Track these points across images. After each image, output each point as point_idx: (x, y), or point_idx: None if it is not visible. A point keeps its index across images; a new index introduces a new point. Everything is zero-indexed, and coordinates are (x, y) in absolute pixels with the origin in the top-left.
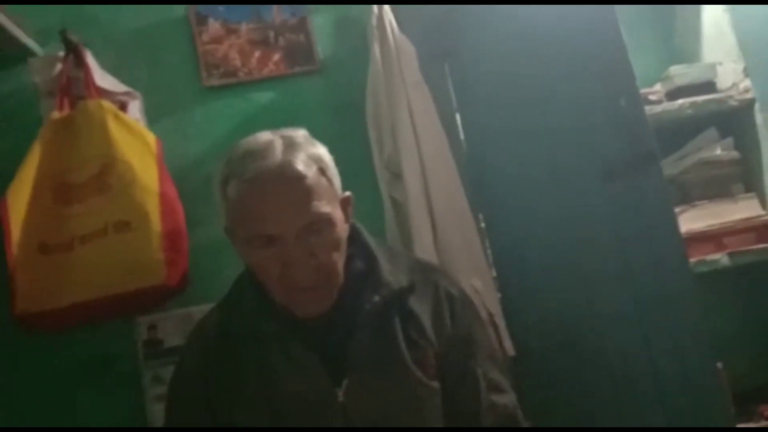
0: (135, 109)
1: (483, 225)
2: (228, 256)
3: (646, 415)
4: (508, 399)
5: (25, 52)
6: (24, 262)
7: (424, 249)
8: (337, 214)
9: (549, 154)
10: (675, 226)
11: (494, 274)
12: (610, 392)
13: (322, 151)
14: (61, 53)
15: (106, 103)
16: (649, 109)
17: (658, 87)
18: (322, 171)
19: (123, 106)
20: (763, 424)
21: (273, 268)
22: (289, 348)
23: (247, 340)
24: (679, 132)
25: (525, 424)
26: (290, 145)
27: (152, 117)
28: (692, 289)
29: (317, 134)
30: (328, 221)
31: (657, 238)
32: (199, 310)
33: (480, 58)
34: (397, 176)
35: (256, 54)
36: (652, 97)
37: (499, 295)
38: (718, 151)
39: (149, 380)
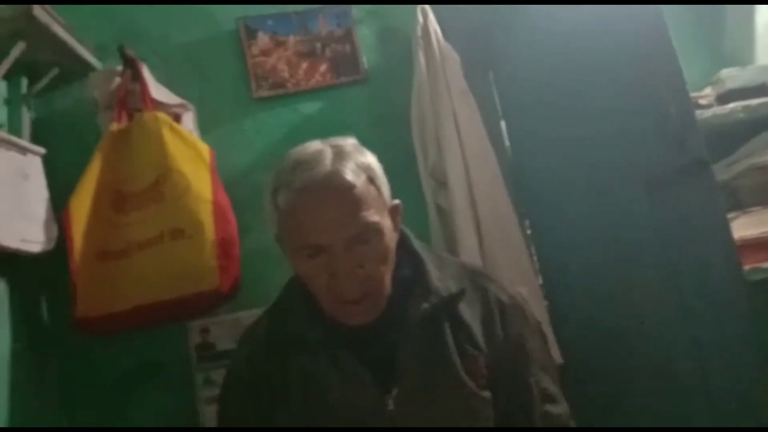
0: (188, 120)
1: (529, 232)
2: (276, 263)
3: (696, 424)
4: (561, 409)
5: (86, 68)
6: (84, 269)
7: (470, 256)
8: (386, 223)
9: (595, 162)
10: (727, 232)
11: (540, 281)
12: (659, 401)
13: (371, 159)
14: (119, 68)
15: (162, 115)
16: (699, 114)
17: (708, 91)
18: (371, 180)
19: (177, 118)
20: None
21: (321, 278)
22: (337, 356)
23: (295, 347)
24: (731, 136)
25: None
26: (339, 154)
27: (205, 128)
28: (745, 296)
29: (363, 143)
30: (376, 231)
31: (708, 245)
32: (249, 315)
33: (525, 66)
34: (442, 184)
35: (304, 65)
36: (702, 102)
37: (545, 302)
38: None
39: (201, 382)
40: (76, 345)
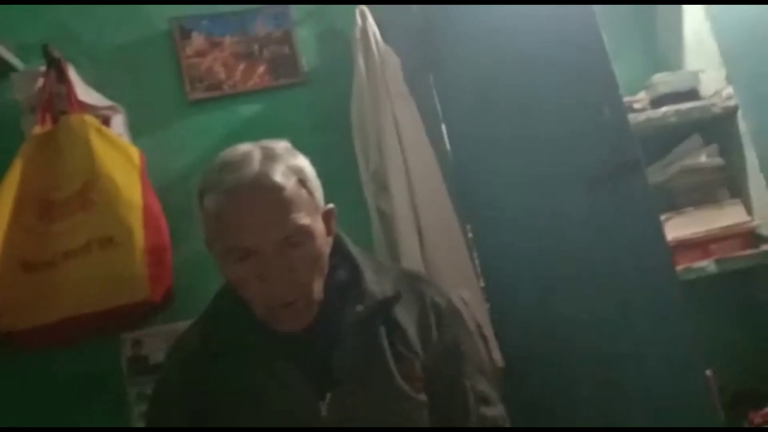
0: (118, 123)
1: (471, 235)
2: (212, 272)
3: (636, 423)
4: (497, 411)
5: (7, 68)
6: (7, 280)
7: (412, 260)
8: (318, 227)
9: (533, 163)
10: (661, 233)
11: (482, 284)
12: (599, 401)
13: (302, 162)
14: (43, 68)
15: (89, 118)
16: (633, 117)
17: (642, 95)
18: (302, 182)
19: (106, 121)
20: None
21: (251, 282)
22: (271, 362)
23: (228, 353)
24: (664, 139)
25: None
26: (269, 157)
27: (136, 131)
28: (680, 296)
29: (302, 146)
30: (307, 234)
31: (643, 245)
32: (184, 326)
33: (462, 68)
34: (383, 188)
35: (241, 67)
36: (636, 105)
37: (487, 305)
38: (703, 158)
39: (134, 397)
40: (4, 358)
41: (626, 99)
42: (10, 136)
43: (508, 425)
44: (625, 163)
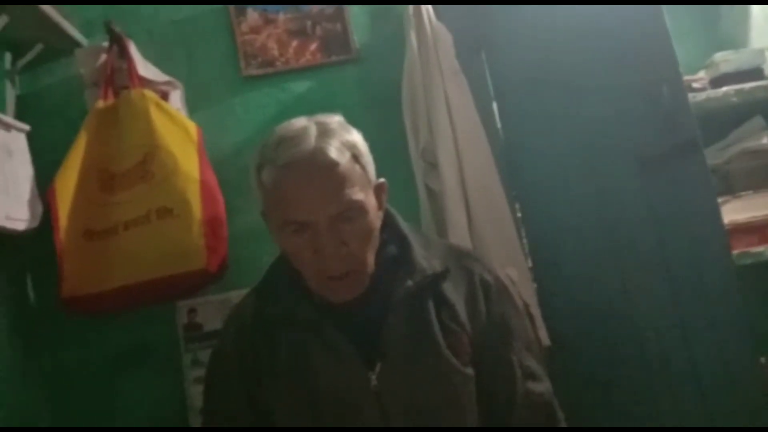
0: (176, 98)
1: (519, 215)
2: (264, 244)
3: (684, 408)
4: (543, 387)
5: (72, 44)
6: (70, 247)
7: (460, 238)
8: (370, 202)
9: (586, 142)
10: (717, 216)
11: (530, 264)
12: (646, 385)
13: (356, 137)
14: (106, 44)
15: (149, 93)
16: (692, 97)
17: (702, 74)
18: (356, 158)
19: (164, 96)
20: None
21: (305, 255)
22: (323, 332)
23: (282, 323)
24: (724, 120)
25: (560, 413)
26: (324, 132)
27: (193, 106)
28: (734, 281)
29: (353, 123)
30: (360, 209)
31: (698, 227)
32: (237, 295)
33: (516, 46)
34: (432, 166)
35: (294, 44)
36: (696, 85)
37: (534, 285)
38: (765, 141)
39: (189, 363)
40: (62, 325)
41: (686, 78)
42: (73, 110)
43: (554, 401)
44: (683, 143)
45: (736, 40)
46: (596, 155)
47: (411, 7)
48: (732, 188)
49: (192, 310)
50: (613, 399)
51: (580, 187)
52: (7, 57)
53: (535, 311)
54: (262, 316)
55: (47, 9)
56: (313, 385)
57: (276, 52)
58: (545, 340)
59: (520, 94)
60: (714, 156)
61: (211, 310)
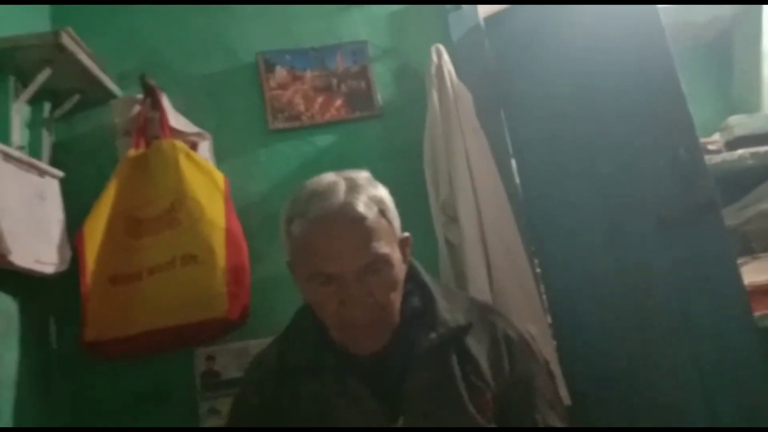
0: (205, 148)
1: (538, 270)
2: (285, 293)
3: None
4: None
5: (107, 95)
6: (95, 292)
7: (480, 292)
8: (396, 255)
9: (605, 201)
10: (738, 277)
11: (549, 320)
12: None
13: (383, 192)
14: (140, 96)
15: (179, 143)
16: (708, 159)
17: (717, 137)
18: (383, 212)
19: (194, 146)
20: None
21: (330, 305)
22: (346, 384)
23: (305, 373)
24: (740, 182)
25: None
26: (352, 187)
27: (220, 156)
28: (756, 343)
29: (375, 176)
30: (386, 262)
31: (719, 288)
32: (256, 344)
33: (536, 104)
34: (452, 219)
35: (319, 99)
36: (711, 147)
37: (554, 342)
38: None
39: (205, 411)
40: (84, 368)
41: (701, 140)
42: (105, 157)
43: None
44: (701, 204)
45: (749, 104)
46: (616, 213)
47: (433, 66)
48: (751, 249)
49: (210, 357)
50: None
51: (599, 243)
52: (46, 106)
53: (556, 369)
54: (285, 366)
55: (87, 62)
56: None
57: (302, 107)
58: (566, 398)
59: (539, 151)
60: (732, 217)
61: (230, 358)
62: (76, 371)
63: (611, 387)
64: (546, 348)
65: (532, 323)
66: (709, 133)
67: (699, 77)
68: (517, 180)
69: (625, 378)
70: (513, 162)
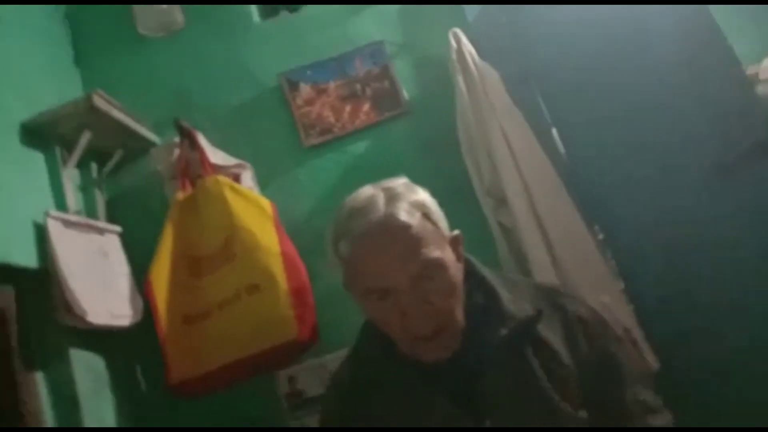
0: (247, 178)
1: (600, 237)
2: (350, 302)
3: None
4: (664, 419)
5: (147, 145)
6: (172, 334)
7: (543, 271)
8: (448, 256)
9: (657, 155)
10: None
11: (622, 286)
12: (755, 393)
13: (423, 196)
14: (177, 140)
15: (222, 178)
16: (761, 90)
17: (767, 63)
18: (426, 216)
19: (236, 178)
20: None
21: (392, 319)
22: (423, 393)
23: (379, 387)
24: None
25: None
26: (392, 197)
27: (263, 183)
28: None
29: (413, 173)
30: (439, 266)
31: None
32: (332, 358)
33: (566, 68)
34: (501, 202)
35: (347, 108)
36: (763, 76)
37: (631, 306)
38: None
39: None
40: (174, 408)
41: (749, 71)
42: (156, 204)
43: None
44: (760, 142)
45: None
46: (667, 167)
47: (454, 52)
48: None
49: (291, 378)
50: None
51: (656, 200)
52: (93, 167)
53: (637, 335)
54: (359, 383)
55: (123, 118)
56: None
57: (332, 119)
58: (653, 362)
59: (579, 117)
60: None
61: (310, 376)
62: (167, 412)
63: (694, 341)
64: (624, 315)
65: (603, 293)
66: (758, 60)
67: (733, 13)
68: (562, 149)
69: (711, 331)
70: (554, 131)
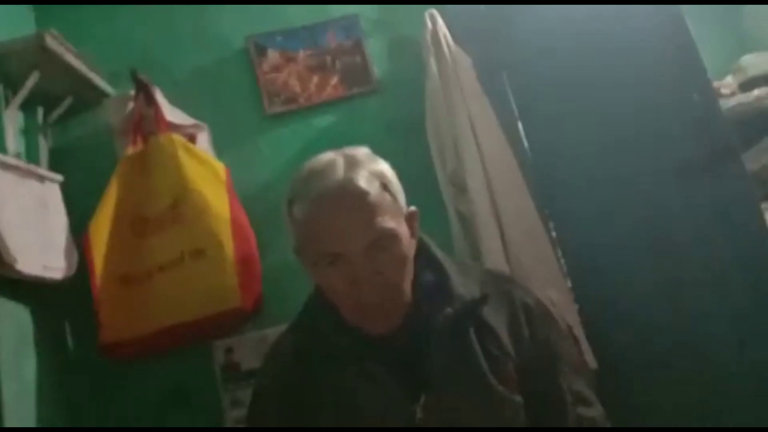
0: (203, 140)
1: (554, 234)
2: (298, 279)
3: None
4: (596, 412)
5: (100, 95)
6: (108, 294)
7: (495, 262)
8: (403, 230)
9: (619, 157)
10: (762, 222)
11: (570, 284)
12: (703, 404)
13: (384, 167)
14: (132, 93)
15: (177, 137)
16: (722, 103)
17: (729, 80)
18: (385, 186)
19: (192, 139)
20: None
21: (340, 286)
22: (364, 366)
23: (322, 358)
24: (759, 124)
25: None
26: (352, 163)
27: (220, 147)
28: None
29: (378, 152)
30: (393, 237)
31: (743, 237)
32: (273, 332)
33: (538, 63)
34: (461, 190)
35: (315, 79)
36: (724, 91)
37: (576, 306)
38: None
39: (228, 403)
40: (101, 371)
41: (714, 84)
42: (104, 158)
43: (607, 426)
44: (719, 150)
45: (761, 41)
46: (630, 167)
47: (428, 33)
48: None
49: (229, 350)
50: (665, 419)
51: (615, 201)
52: (39, 111)
53: (579, 333)
54: (302, 352)
55: (75, 62)
56: (356, 419)
57: (298, 89)
58: (592, 362)
59: (546, 112)
60: (753, 161)
61: (248, 349)
62: (95, 375)
63: (639, 345)
64: (569, 313)
65: (551, 288)
66: (721, 76)
67: (705, 15)
68: (526, 143)
69: (654, 334)
70: (519, 124)
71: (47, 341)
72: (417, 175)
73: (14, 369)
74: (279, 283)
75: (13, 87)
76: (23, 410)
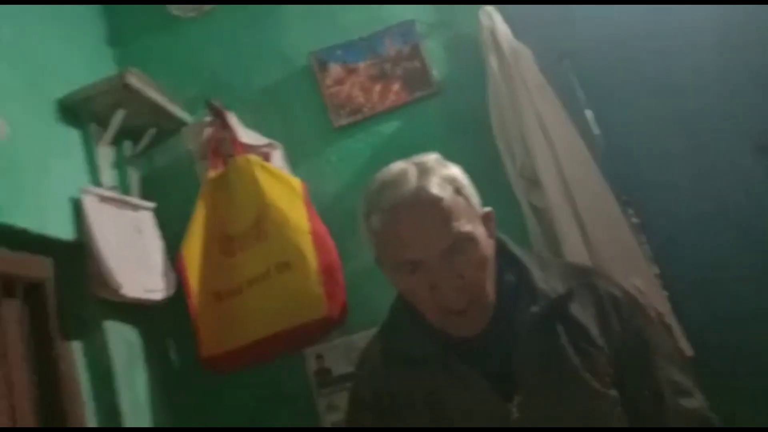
0: (277, 158)
1: (635, 220)
2: (380, 283)
3: None
4: (697, 402)
5: (179, 124)
6: (203, 310)
7: (575, 253)
8: (479, 232)
9: (695, 136)
10: None
11: (656, 270)
12: None
13: (455, 171)
14: (208, 119)
15: (253, 157)
16: None
17: None
18: (458, 191)
19: (267, 157)
20: None
21: (422, 292)
22: (454, 370)
23: (411, 363)
24: None
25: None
26: (423, 171)
27: (293, 162)
28: None
29: (443, 154)
30: (470, 240)
31: None
32: (360, 338)
33: (603, 48)
34: (533, 183)
35: (377, 88)
36: None
37: (665, 292)
38: None
39: (324, 408)
40: (205, 382)
41: None
42: (188, 183)
43: (713, 418)
44: None
45: None
46: (708, 147)
47: (486, 31)
48: None
49: (319, 356)
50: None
51: (694, 182)
52: (127, 145)
53: (671, 320)
54: (391, 358)
55: (156, 97)
56: (451, 422)
57: (361, 99)
58: (687, 350)
59: (615, 97)
60: None
61: (337, 354)
62: (198, 386)
63: (732, 329)
64: (657, 301)
65: (636, 276)
66: None
67: None
68: (596, 130)
69: (746, 317)
70: (587, 112)
71: (154, 357)
72: (485, 173)
73: (127, 382)
74: (362, 289)
75: (103, 125)
76: (137, 418)
